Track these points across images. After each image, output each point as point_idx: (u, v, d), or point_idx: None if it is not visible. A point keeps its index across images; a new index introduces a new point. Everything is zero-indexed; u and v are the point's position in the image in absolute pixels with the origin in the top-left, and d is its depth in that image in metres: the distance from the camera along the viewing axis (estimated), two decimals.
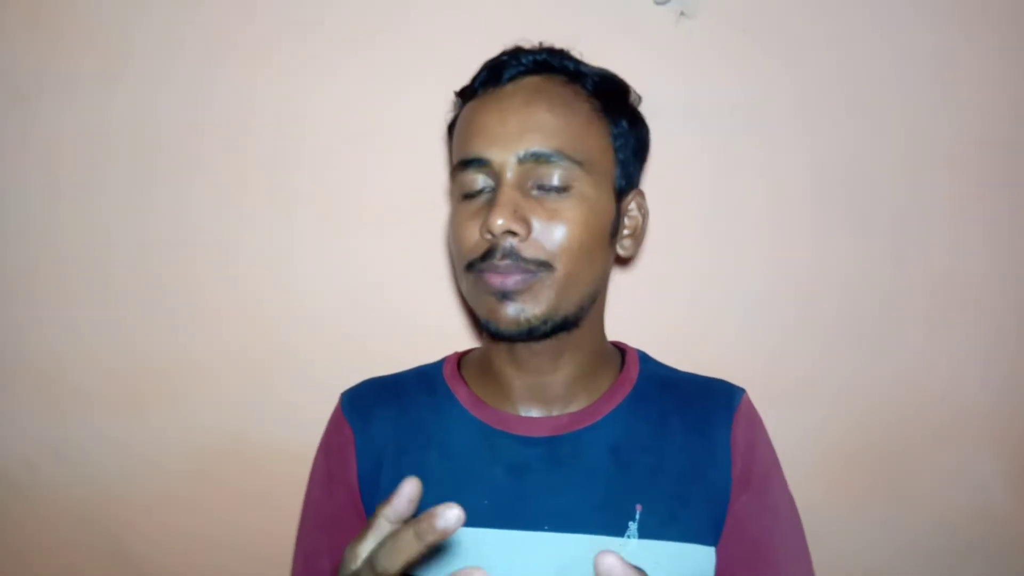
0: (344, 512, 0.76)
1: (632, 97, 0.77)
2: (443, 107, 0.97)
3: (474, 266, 0.69)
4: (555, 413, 0.75)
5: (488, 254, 0.67)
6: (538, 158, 0.67)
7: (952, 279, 1.03)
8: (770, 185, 1.02)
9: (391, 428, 0.76)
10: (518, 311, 0.67)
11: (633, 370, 0.79)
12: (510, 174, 0.67)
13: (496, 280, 0.67)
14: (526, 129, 0.68)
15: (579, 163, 0.68)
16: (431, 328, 1.03)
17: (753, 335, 1.04)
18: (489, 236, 0.67)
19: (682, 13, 0.97)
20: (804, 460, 1.05)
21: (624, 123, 0.75)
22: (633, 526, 0.70)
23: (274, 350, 1.04)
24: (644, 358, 0.82)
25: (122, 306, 1.04)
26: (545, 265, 0.67)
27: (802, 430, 1.05)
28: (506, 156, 0.67)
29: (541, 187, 0.68)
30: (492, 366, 0.76)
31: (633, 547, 0.69)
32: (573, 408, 0.75)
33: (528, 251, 0.67)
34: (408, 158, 1.01)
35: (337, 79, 1.00)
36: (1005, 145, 1.01)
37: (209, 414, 1.05)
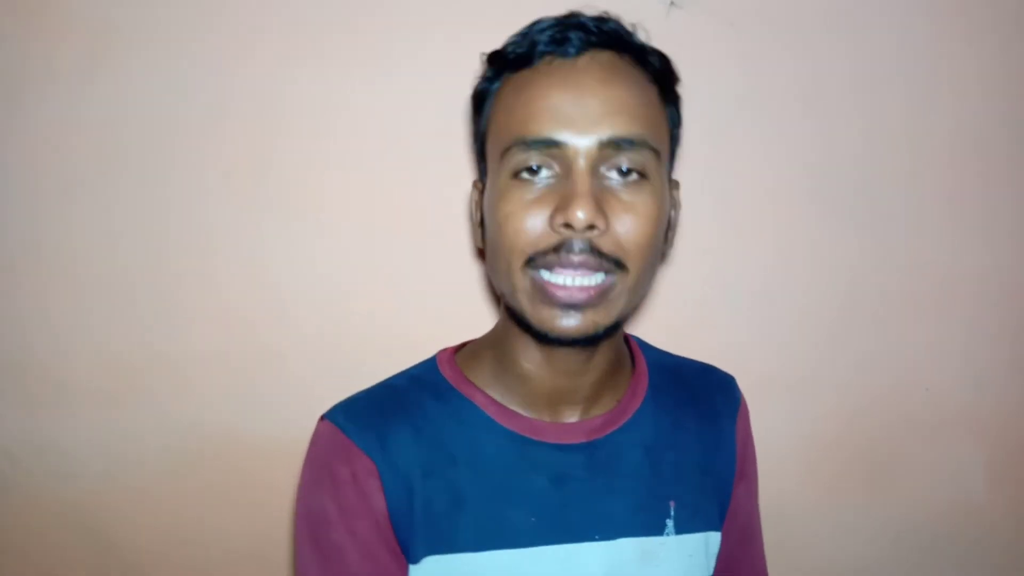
0: (378, 550, 0.66)
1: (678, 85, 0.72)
2: (432, 104, 0.96)
3: (535, 261, 0.61)
4: (585, 416, 0.71)
5: (560, 248, 0.60)
6: (619, 145, 0.60)
7: (935, 275, 1.05)
8: (762, 178, 1.02)
9: (411, 448, 0.67)
10: (586, 323, 0.61)
11: (641, 360, 0.77)
12: (584, 160, 0.60)
13: (563, 294, 0.60)
14: (608, 111, 0.60)
15: (657, 152, 0.63)
16: (412, 325, 1.02)
17: (730, 326, 1.05)
18: (564, 229, 0.59)
19: (672, 3, 0.96)
20: (785, 452, 1.06)
21: (677, 112, 0.70)
22: (670, 523, 0.70)
23: (254, 348, 1.03)
24: (643, 345, 0.80)
25: (102, 303, 1.02)
26: (620, 265, 0.61)
27: (782, 423, 1.06)
28: (583, 140, 0.60)
29: (616, 176, 0.61)
30: (515, 368, 0.69)
31: (671, 544, 0.70)
32: (600, 408, 0.72)
33: (606, 245, 0.60)
34: (394, 155, 0.99)
35: (324, 73, 0.97)
36: (1002, 143, 1.02)
37: (190, 411, 1.04)
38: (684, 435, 0.74)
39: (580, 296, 0.60)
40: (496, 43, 0.68)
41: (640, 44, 0.66)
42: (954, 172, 1.03)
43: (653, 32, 0.96)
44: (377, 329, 1.02)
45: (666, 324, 1.03)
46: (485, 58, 0.68)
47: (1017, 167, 1.03)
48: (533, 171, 0.62)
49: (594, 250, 0.60)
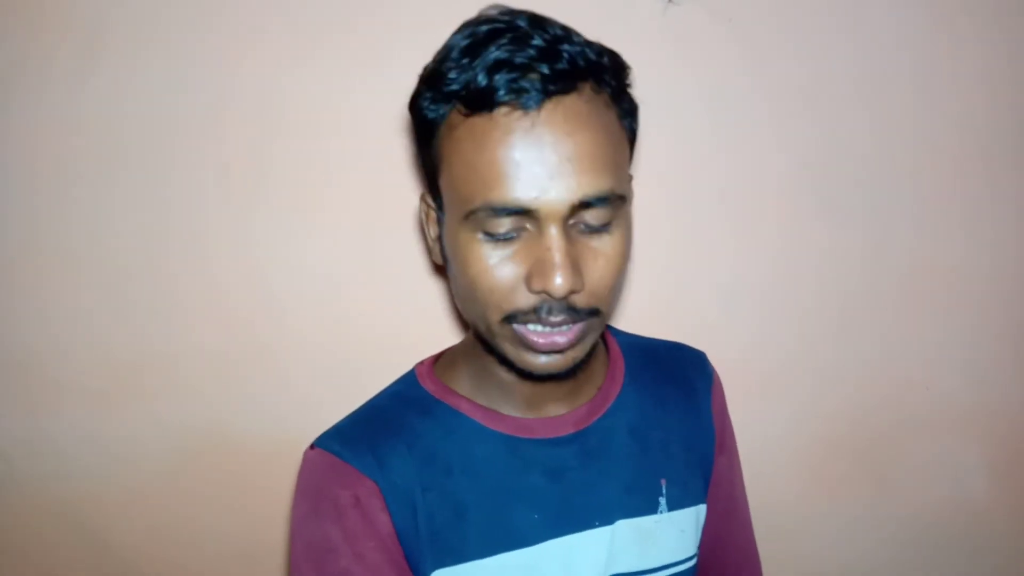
0: (386, 571, 0.64)
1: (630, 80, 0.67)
2: None
3: (514, 318, 0.61)
4: (570, 407, 0.72)
5: (538, 310, 0.60)
6: (590, 204, 0.59)
7: (935, 268, 1.04)
8: (763, 176, 1.01)
9: (407, 465, 0.67)
10: (566, 361, 0.63)
11: (614, 344, 0.79)
12: (557, 224, 0.58)
13: (543, 341, 0.61)
14: (576, 170, 0.58)
15: (624, 197, 0.62)
16: (411, 325, 1.02)
17: (730, 325, 1.04)
18: (542, 294, 0.59)
19: (669, 1, 0.96)
20: (781, 452, 1.06)
21: (635, 120, 0.67)
22: (663, 501, 0.72)
23: (252, 348, 1.02)
24: (612, 330, 0.82)
25: (100, 303, 1.02)
26: (595, 312, 0.62)
27: (780, 421, 1.06)
28: (554, 205, 0.58)
29: (584, 227, 0.61)
30: (494, 377, 0.71)
31: (665, 521, 0.72)
32: (583, 397, 0.73)
33: (582, 301, 0.61)
34: (393, 155, 0.99)
35: (324, 73, 0.97)
36: (1006, 141, 1.02)
37: (187, 411, 1.04)
38: (666, 412, 0.76)
39: (561, 341, 0.61)
40: None
41: (594, 62, 0.61)
42: (958, 171, 1.02)
43: (650, 30, 0.97)
44: (376, 329, 1.02)
45: (666, 324, 1.02)
46: (423, 78, 0.64)
47: (1022, 166, 1.02)
48: (508, 233, 0.60)
49: (571, 308, 0.60)
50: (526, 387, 0.70)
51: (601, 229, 0.61)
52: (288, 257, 1.01)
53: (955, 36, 0.99)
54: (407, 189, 0.99)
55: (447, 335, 1.02)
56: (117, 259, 1.01)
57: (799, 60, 0.99)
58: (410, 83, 0.95)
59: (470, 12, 0.95)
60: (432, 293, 1.02)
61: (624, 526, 0.70)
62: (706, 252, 1.03)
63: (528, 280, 0.59)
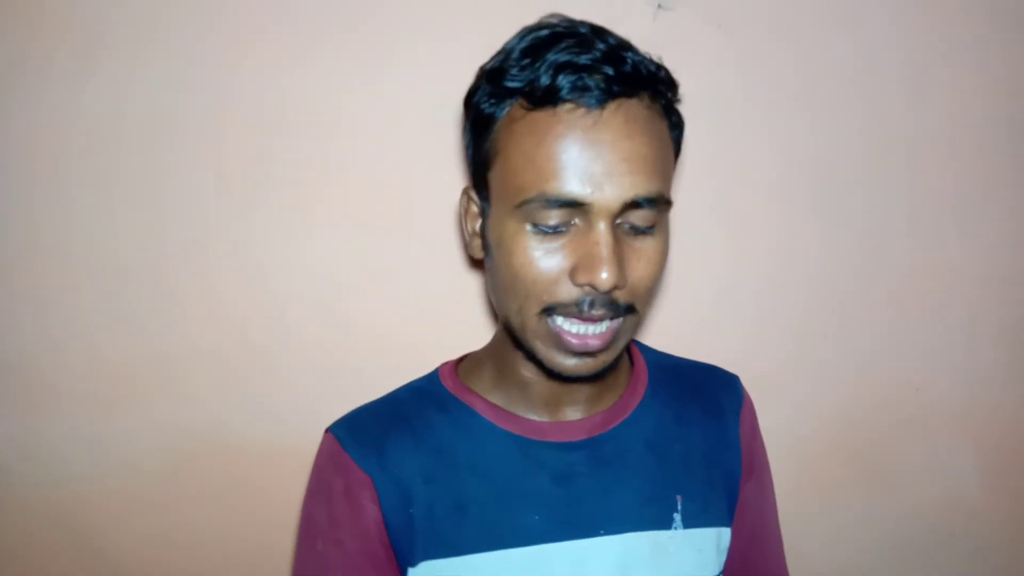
0: (362, 564, 0.68)
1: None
2: (432, 105, 0.96)
3: (553, 310, 0.62)
4: (586, 413, 0.73)
5: (580, 303, 0.61)
6: (639, 204, 0.61)
7: (931, 271, 1.05)
8: (756, 179, 1.02)
9: (412, 458, 0.69)
10: (597, 364, 0.64)
11: (639, 359, 0.79)
12: (606, 220, 0.60)
13: (578, 342, 0.62)
14: (631, 170, 0.60)
15: (669, 203, 0.64)
16: (409, 328, 1.02)
17: (726, 327, 1.04)
18: (586, 287, 0.61)
19: (659, 6, 0.96)
20: (778, 453, 1.05)
21: (681, 134, 0.69)
22: (678, 517, 0.72)
23: (250, 350, 1.02)
24: (642, 347, 0.82)
25: (98, 305, 1.01)
26: (631, 308, 0.63)
27: (777, 422, 1.05)
28: (607, 201, 0.59)
29: (628, 227, 0.62)
30: (515, 376, 0.72)
31: (679, 538, 0.71)
32: (601, 407, 0.74)
33: (622, 296, 0.62)
34: (393, 156, 0.99)
35: (322, 73, 0.97)
36: (1001, 143, 1.03)
37: (184, 415, 1.03)
38: (687, 428, 0.76)
39: (595, 343, 0.63)
40: (498, 43, 0.66)
41: (653, 72, 0.63)
42: (953, 173, 1.03)
43: (640, 35, 0.97)
44: (375, 332, 1.02)
45: (665, 325, 1.03)
46: (484, 75, 0.65)
47: (1017, 168, 1.03)
48: (557, 226, 0.62)
49: (612, 302, 0.62)
50: (547, 387, 0.71)
51: (645, 231, 0.63)
52: (288, 257, 1.01)
53: (952, 37, 1.00)
54: (407, 189, 0.99)
55: (448, 335, 1.02)
56: (116, 260, 1.01)
57: (794, 62, 1.00)
58: (410, 83, 0.97)
59: (470, 12, 0.96)
60: (433, 293, 1.02)
61: (636, 539, 0.69)
62: (702, 254, 1.03)
63: (573, 273, 0.61)
